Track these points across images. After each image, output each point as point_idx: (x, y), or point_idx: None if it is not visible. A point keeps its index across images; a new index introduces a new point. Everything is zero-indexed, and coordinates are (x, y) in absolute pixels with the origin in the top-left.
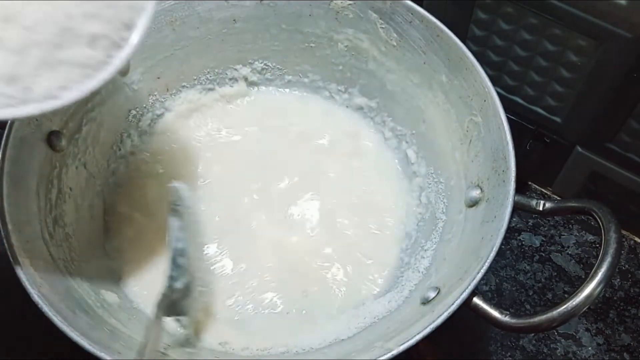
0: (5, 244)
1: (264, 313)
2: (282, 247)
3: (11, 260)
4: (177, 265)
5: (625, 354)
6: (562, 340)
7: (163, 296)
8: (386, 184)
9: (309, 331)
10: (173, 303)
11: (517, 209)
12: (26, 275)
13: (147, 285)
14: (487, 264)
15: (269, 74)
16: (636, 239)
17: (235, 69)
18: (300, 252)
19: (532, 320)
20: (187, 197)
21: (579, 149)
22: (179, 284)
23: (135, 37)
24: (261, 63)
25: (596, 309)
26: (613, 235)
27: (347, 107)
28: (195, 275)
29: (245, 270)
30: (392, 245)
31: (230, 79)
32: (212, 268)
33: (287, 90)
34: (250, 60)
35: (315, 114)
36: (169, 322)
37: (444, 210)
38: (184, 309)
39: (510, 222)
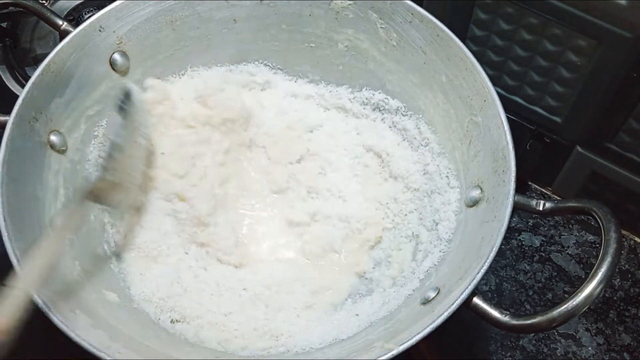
0: (6, 244)
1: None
2: (281, 244)
3: (11, 260)
4: (112, 158)
5: (625, 354)
6: (562, 340)
7: (92, 182)
8: None
9: (308, 331)
10: (100, 190)
11: (517, 209)
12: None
13: (147, 284)
14: (487, 264)
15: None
16: (636, 239)
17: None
18: (300, 249)
19: (532, 320)
20: (138, 98)
21: (579, 149)
22: (109, 176)
23: None
24: (261, 63)
25: (596, 309)
26: (613, 235)
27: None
28: (129, 172)
29: (244, 267)
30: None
31: None
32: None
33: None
34: (250, 60)
35: (315, 113)
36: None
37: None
38: (112, 201)
39: (510, 222)
